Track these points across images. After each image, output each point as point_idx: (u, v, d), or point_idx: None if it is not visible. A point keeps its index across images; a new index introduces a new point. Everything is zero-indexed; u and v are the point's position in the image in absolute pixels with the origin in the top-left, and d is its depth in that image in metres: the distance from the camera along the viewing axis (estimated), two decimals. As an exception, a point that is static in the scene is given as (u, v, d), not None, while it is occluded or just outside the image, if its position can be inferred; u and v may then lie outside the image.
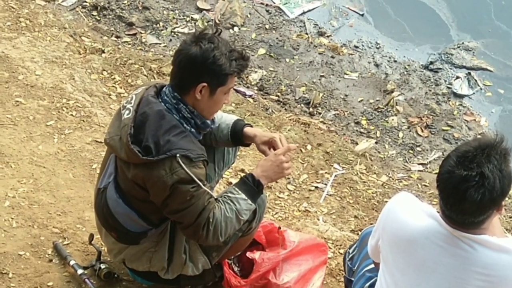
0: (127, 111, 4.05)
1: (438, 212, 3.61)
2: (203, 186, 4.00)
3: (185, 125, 4.05)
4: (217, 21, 7.08)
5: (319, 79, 6.88)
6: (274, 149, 4.26)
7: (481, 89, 7.01)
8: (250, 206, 4.13)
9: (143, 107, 4.05)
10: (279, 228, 4.80)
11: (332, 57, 7.08)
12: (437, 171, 3.68)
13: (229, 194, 4.12)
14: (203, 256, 4.37)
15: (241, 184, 4.15)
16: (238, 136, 4.39)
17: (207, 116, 4.12)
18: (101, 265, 4.53)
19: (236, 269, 4.68)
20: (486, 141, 3.45)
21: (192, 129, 4.09)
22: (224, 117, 4.39)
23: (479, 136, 6.51)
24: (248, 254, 4.65)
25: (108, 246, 4.44)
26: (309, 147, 6.17)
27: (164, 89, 4.08)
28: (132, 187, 4.13)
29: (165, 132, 3.99)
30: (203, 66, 3.92)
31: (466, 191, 3.36)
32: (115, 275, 4.60)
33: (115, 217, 4.24)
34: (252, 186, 4.13)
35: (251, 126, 4.41)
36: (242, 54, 4.03)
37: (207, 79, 3.92)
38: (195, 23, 7.00)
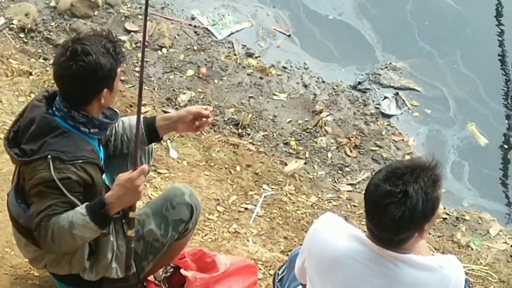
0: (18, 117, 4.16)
1: (365, 232, 3.69)
2: (64, 190, 3.98)
3: (81, 128, 4.08)
4: (146, 43, 7.09)
5: (248, 100, 6.95)
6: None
7: (408, 109, 7.12)
8: (87, 225, 4.04)
9: (27, 112, 4.12)
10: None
11: (261, 78, 7.15)
12: (365, 191, 3.77)
13: (72, 213, 4.06)
14: (134, 265, 4.38)
15: (90, 209, 4.07)
16: (153, 126, 4.46)
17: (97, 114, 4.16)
18: None
19: (164, 286, 4.72)
20: (419, 162, 3.54)
21: (94, 129, 4.14)
22: (133, 118, 4.44)
23: (412, 155, 6.69)
24: (182, 272, 4.69)
25: (30, 255, 4.41)
26: (238, 168, 6.22)
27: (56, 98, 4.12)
28: (25, 185, 4.17)
29: (44, 135, 4.02)
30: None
31: (387, 206, 3.43)
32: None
33: (18, 221, 4.26)
34: (95, 210, 4.05)
35: (154, 119, 4.50)
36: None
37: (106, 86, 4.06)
38: (123, 44, 7.01)
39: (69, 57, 3.93)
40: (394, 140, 6.84)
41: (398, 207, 3.42)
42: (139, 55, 6.99)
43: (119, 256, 4.36)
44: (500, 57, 7.33)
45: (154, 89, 6.66)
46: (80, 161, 4.00)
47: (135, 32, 7.21)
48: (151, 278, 4.77)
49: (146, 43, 7.12)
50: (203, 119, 4.47)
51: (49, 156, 3.91)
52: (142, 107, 4.78)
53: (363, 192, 3.81)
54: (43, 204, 3.97)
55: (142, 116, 4.36)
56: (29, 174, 3.99)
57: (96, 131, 4.14)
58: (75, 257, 4.25)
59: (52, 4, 7.30)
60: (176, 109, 6.73)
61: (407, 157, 6.64)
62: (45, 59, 6.81)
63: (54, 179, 3.91)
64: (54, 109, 4.07)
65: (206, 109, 4.42)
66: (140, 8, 7.44)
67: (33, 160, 3.95)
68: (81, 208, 4.00)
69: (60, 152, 3.95)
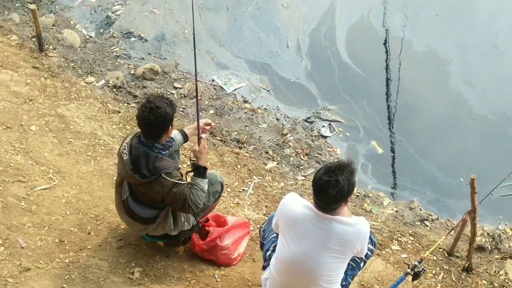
0: (125, 155, 4.17)
1: (312, 203, 3.74)
2: (181, 182, 4.11)
3: (163, 151, 4.15)
4: (186, 94, 7.07)
5: (244, 127, 6.90)
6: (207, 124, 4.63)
7: (337, 133, 7.06)
8: (205, 180, 4.26)
9: (133, 151, 4.14)
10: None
11: (252, 114, 7.10)
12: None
13: (193, 182, 4.22)
14: (192, 217, 4.48)
15: (196, 173, 4.26)
16: (184, 133, 4.55)
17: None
18: None
19: (198, 236, 4.75)
20: (343, 162, 3.65)
21: (167, 151, 4.20)
22: (173, 132, 4.50)
23: (339, 159, 6.61)
24: (206, 228, 4.75)
25: (137, 228, 4.47)
26: (239, 166, 6.21)
27: (141, 137, 4.18)
28: (142, 195, 4.23)
29: (150, 162, 4.08)
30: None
31: (327, 189, 3.53)
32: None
33: (137, 214, 4.34)
34: (201, 172, 4.25)
35: (183, 130, 4.58)
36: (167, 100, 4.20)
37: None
38: (173, 95, 7.01)
39: (149, 111, 4.03)
40: (328, 150, 6.80)
41: (334, 189, 3.54)
42: (183, 101, 6.98)
43: (186, 218, 4.48)
44: (388, 104, 7.33)
45: (190, 121, 6.62)
46: (176, 169, 4.14)
47: (180, 88, 7.15)
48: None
49: (186, 94, 7.14)
50: (208, 126, 4.66)
51: (162, 174, 4.04)
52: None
53: (311, 180, 3.86)
54: (182, 196, 4.13)
55: (178, 129, 4.58)
56: (157, 190, 4.11)
57: (168, 151, 4.24)
58: (167, 224, 4.38)
59: (132, 72, 7.27)
60: (203, 132, 6.74)
61: (336, 160, 6.59)
62: (128, 103, 6.80)
63: (175, 182, 4.10)
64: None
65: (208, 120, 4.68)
66: (183, 74, 7.41)
67: (153, 179, 4.06)
68: (196, 179, 4.23)
69: (165, 169, 4.08)
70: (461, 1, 8.22)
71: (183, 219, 4.43)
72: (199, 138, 4.39)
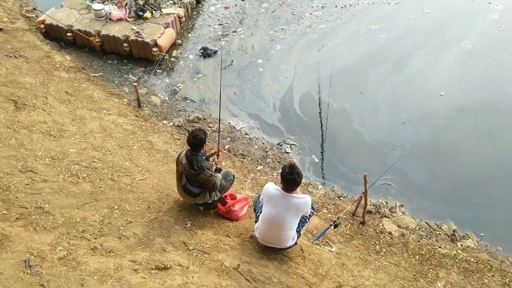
0: (183, 160, 4.10)
1: (281, 187, 3.72)
2: (213, 174, 4.04)
3: (202, 157, 4.05)
4: (215, 130, 7.03)
5: (246, 148, 6.85)
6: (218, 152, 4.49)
7: (294, 151, 7.01)
8: (219, 174, 4.18)
9: (188, 158, 4.07)
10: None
11: (250, 141, 7.06)
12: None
13: (217, 175, 4.12)
14: (219, 192, 4.36)
15: (215, 171, 4.19)
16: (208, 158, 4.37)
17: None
18: None
19: (221, 204, 4.69)
20: (291, 164, 3.60)
21: (203, 157, 4.09)
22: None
23: (289, 162, 6.56)
24: (226, 200, 4.68)
25: (189, 200, 4.37)
26: (243, 168, 6.18)
27: (190, 151, 4.09)
28: (193, 181, 4.16)
29: (198, 163, 4.00)
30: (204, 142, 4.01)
31: (295, 179, 3.49)
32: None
33: (192, 192, 4.24)
34: (218, 170, 4.20)
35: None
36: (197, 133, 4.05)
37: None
38: (208, 130, 6.98)
39: (193, 137, 3.95)
40: (289, 160, 6.76)
41: (298, 179, 3.55)
42: (214, 134, 6.94)
43: (215, 194, 4.36)
44: (321, 136, 7.32)
45: (216, 143, 6.62)
46: (210, 167, 4.05)
47: (212, 127, 7.12)
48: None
49: (215, 131, 7.09)
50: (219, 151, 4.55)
51: (205, 169, 3.96)
52: (211, 150, 4.76)
53: (280, 175, 3.85)
54: (213, 181, 4.06)
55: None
56: (202, 178, 4.01)
57: (204, 157, 4.11)
58: (206, 196, 4.30)
59: (187, 118, 7.23)
60: (225, 150, 6.71)
61: (288, 161, 6.57)
62: (185, 135, 6.72)
63: (211, 173, 4.00)
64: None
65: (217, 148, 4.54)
66: (214, 120, 7.36)
67: (200, 172, 3.98)
68: (216, 174, 4.13)
69: (206, 166, 3.99)
70: (357, 82, 8.30)
71: (213, 194, 4.38)
72: (218, 155, 4.36)
